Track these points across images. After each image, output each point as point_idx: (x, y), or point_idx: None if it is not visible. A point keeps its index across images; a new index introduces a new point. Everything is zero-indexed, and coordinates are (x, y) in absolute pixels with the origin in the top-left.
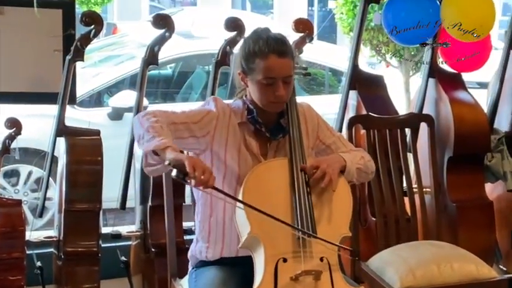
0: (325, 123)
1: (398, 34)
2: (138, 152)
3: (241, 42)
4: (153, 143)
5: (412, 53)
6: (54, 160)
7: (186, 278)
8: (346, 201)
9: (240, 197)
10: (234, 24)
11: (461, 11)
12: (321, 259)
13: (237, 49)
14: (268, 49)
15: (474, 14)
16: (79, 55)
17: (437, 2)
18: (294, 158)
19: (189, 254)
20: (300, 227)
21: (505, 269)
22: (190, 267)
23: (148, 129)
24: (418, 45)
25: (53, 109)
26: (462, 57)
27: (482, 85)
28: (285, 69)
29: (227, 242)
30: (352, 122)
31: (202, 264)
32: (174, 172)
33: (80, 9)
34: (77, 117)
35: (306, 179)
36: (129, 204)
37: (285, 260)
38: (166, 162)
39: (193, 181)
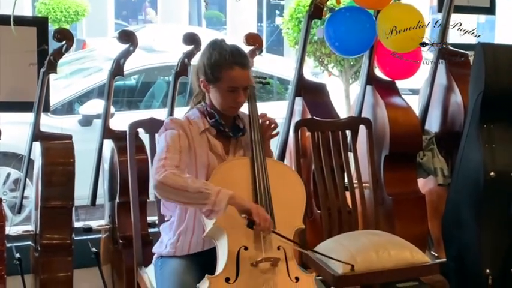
0: None
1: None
2: (106, 153)
3: (199, 54)
4: (219, 200)
5: (351, 63)
6: (30, 162)
7: (151, 266)
8: (300, 197)
9: None
10: (191, 39)
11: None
12: (278, 248)
13: (194, 61)
14: (234, 61)
15: (407, 19)
16: (52, 68)
17: (373, 18)
18: (255, 157)
19: (154, 251)
20: None
21: (436, 254)
22: (155, 257)
23: (200, 189)
24: (356, 56)
25: (29, 117)
26: (398, 62)
27: (414, 91)
28: (247, 80)
29: (194, 242)
30: (298, 125)
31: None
32: (246, 222)
33: (51, 26)
34: (51, 123)
35: (266, 176)
36: (98, 201)
37: (246, 248)
38: (243, 216)
39: (258, 228)
